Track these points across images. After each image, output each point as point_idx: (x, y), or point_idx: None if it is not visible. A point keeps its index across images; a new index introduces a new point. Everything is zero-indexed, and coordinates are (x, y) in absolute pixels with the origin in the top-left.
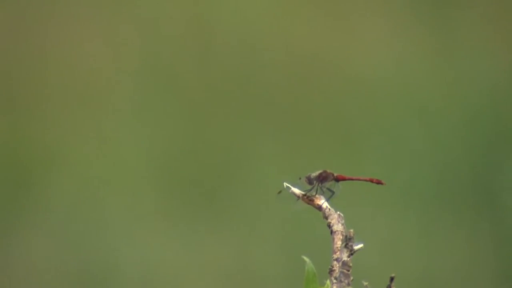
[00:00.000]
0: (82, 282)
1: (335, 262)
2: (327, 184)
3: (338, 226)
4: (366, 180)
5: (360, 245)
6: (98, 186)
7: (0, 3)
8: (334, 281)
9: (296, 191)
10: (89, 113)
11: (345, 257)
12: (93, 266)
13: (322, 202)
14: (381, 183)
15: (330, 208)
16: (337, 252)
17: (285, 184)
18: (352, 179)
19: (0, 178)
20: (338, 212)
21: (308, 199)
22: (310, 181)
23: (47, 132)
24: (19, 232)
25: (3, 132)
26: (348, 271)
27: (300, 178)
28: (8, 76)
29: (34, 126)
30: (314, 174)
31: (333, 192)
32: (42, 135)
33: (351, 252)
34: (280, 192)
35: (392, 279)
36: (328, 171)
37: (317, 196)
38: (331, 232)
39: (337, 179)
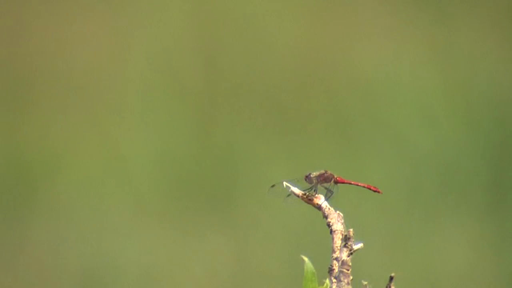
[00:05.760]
0: (85, 280)
1: (334, 262)
2: (326, 185)
3: (337, 226)
4: (364, 187)
5: (360, 245)
6: (101, 186)
7: (0, 3)
8: (334, 280)
9: (296, 190)
10: (93, 115)
11: (344, 256)
12: (96, 265)
13: (322, 201)
14: (378, 192)
15: (330, 208)
16: (336, 251)
17: (285, 183)
18: (350, 183)
19: (4, 178)
20: (338, 212)
21: (308, 198)
22: (310, 180)
23: (52, 134)
24: (23, 232)
25: (9, 133)
26: (348, 270)
27: (305, 179)
28: (11, 76)
29: (38, 127)
30: (315, 173)
31: (332, 192)
32: (47, 137)
33: (351, 252)
34: (273, 186)
35: (391, 278)
36: (329, 172)
37: (316, 195)
38: (331, 231)
39: (336, 181)
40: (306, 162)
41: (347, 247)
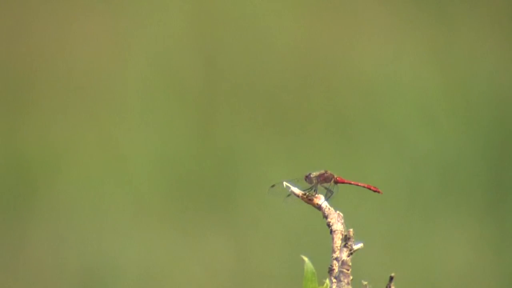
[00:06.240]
0: (85, 280)
1: (334, 262)
2: (326, 185)
3: (337, 226)
4: (364, 187)
5: (360, 245)
6: (101, 186)
7: (0, 3)
8: (334, 280)
9: (296, 190)
10: (93, 115)
11: (344, 256)
12: (96, 265)
13: (322, 201)
14: (378, 192)
15: (330, 208)
16: (336, 251)
17: (285, 183)
18: (350, 183)
19: (4, 178)
20: (338, 212)
21: (308, 198)
22: (310, 180)
23: (52, 134)
24: (23, 232)
25: (9, 133)
26: (348, 270)
27: (305, 179)
28: (11, 76)
29: (38, 127)
30: (315, 173)
31: (332, 192)
32: (47, 137)
33: (351, 252)
34: (273, 186)
35: (391, 278)
36: (329, 172)
37: (316, 195)
38: (331, 231)
39: (336, 182)
40: (306, 162)
41: (347, 247)
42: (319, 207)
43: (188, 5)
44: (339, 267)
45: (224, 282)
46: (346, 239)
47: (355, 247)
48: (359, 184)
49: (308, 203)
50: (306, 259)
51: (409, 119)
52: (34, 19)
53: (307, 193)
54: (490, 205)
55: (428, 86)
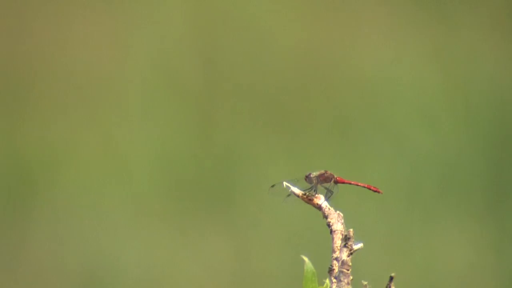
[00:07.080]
0: (85, 280)
1: (334, 262)
2: (326, 185)
3: (337, 226)
4: (364, 187)
5: (360, 245)
6: (101, 186)
7: (0, 3)
8: (334, 280)
9: (296, 190)
10: (93, 115)
11: (344, 256)
12: (96, 265)
13: (322, 201)
14: (378, 192)
15: (330, 208)
16: (336, 251)
17: (285, 183)
18: (350, 183)
19: (4, 178)
20: (338, 212)
21: (308, 198)
22: (310, 180)
23: (52, 134)
24: (23, 232)
25: (9, 133)
26: (348, 270)
27: (305, 179)
28: (11, 76)
29: (38, 127)
30: (315, 173)
31: (332, 192)
32: (47, 137)
33: (351, 252)
34: (273, 186)
35: (391, 278)
36: (329, 172)
37: (316, 195)
38: (331, 231)
39: (336, 182)
40: (306, 162)
41: (347, 247)
42: (319, 207)
43: (188, 5)
44: (339, 267)
45: (224, 282)
46: (346, 239)
47: (355, 247)
48: (359, 184)
49: (308, 203)
50: (306, 259)
51: (409, 119)
52: (34, 19)
53: (307, 193)
54: (490, 205)
55: (428, 86)
